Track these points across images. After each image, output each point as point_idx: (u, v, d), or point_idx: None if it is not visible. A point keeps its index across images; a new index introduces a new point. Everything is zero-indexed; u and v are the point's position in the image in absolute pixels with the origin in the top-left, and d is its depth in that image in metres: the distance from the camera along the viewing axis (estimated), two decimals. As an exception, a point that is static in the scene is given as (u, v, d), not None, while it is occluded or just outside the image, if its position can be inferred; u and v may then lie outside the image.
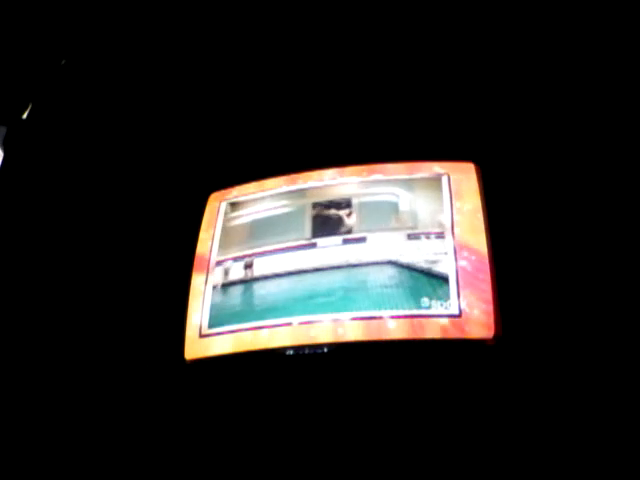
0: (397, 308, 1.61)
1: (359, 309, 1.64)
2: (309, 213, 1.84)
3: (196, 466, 1.72)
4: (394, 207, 1.77)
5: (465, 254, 1.63)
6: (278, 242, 1.82)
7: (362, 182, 1.84)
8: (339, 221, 1.78)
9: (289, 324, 1.70)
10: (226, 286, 1.83)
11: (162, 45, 2.37)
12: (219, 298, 1.83)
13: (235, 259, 1.86)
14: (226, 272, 1.85)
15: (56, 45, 2.45)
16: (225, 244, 1.90)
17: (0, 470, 1.80)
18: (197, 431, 1.76)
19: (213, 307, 1.83)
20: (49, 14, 2.39)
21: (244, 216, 1.93)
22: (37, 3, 2.37)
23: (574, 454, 1.44)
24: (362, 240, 1.74)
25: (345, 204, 1.81)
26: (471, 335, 1.54)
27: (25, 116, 2.42)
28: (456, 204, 1.70)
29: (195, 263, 1.91)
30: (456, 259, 1.63)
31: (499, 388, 1.57)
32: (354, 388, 1.67)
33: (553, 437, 1.48)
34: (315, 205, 1.84)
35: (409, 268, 1.66)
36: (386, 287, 1.65)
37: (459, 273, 1.60)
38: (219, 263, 1.87)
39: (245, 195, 1.97)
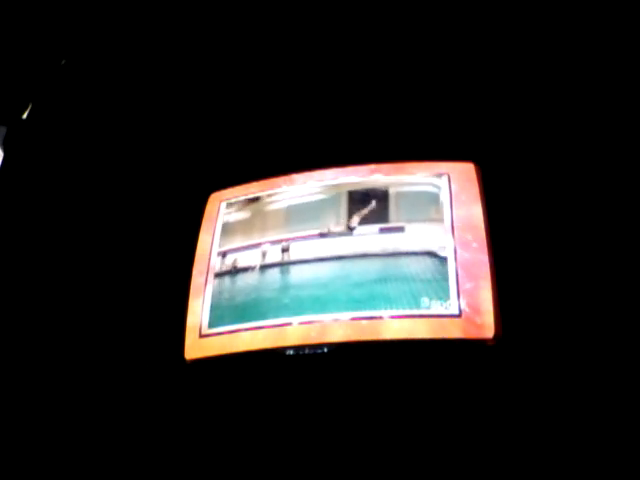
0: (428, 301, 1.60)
1: (393, 304, 1.62)
2: (345, 201, 1.83)
3: (196, 466, 1.72)
4: (434, 198, 1.74)
5: (465, 254, 1.63)
6: (314, 228, 1.81)
7: (368, 179, 1.84)
8: (375, 209, 1.77)
9: (289, 324, 1.70)
10: (255, 271, 1.83)
11: (162, 45, 2.37)
12: (228, 289, 1.84)
13: (272, 242, 1.85)
14: (264, 255, 1.84)
15: (56, 45, 2.45)
16: (262, 228, 1.89)
17: (0, 470, 1.80)
18: (197, 431, 1.76)
19: (220, 297, 1.83)
20: (49, 14, 2.39)
21: (280, 202, 1.92)
22: (37, 3, 2.37)
23: (574, 454, 1.44)
24: (400, 230, 1.73)
25: (382, 194, 1.80)
26: (471, 335, 1.54)
27: (25, 116, 2.42)
28: (456, 204, 1.70)
29: (195, 263, 1.90)
30: (456, 259, 1.62)
31: (499, 388, 1.57)
32: (354, 388, 1.67)
33: (553, 437, 1.48)
34: (351, 193, 1.83)
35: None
36: (423, 279, 1.63)
37: (459, 273, 1.60)
38: (255, 246, 1.86)
39: (245, 195, 1.97)
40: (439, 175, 1.76)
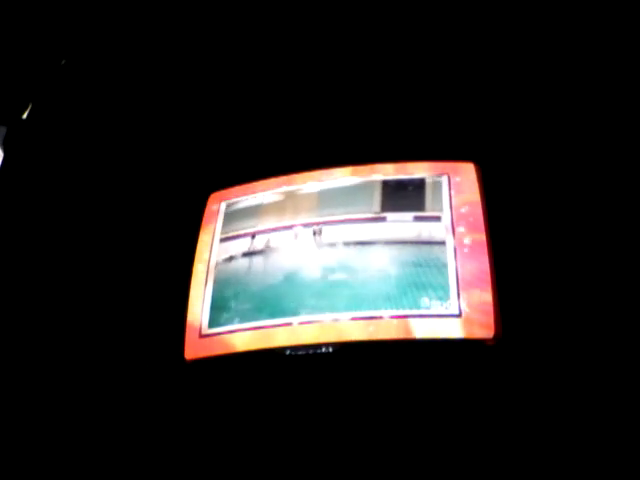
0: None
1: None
2: (379, 188, 1.81)
3: (196, 466, 1.72)
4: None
5: (465, 254, 1.63)
6: (346, 213, 1.80)
7: (363, 183, 1.84)
8: (411, 198, 1.75)
9: (289, 324, 1.70)
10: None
11: (162, 45, 2.37)
12: (229, 288, 1.83)
13: (305, 225, 1.83)
14: (296, 236, 1.83)
15: (56, 45, 2.45)
16: (294, 210, 1.87)
17: (0, 470, 1.80)
18: (197, 431, 1.76)
19: (220, 297, 1.83)
20: (49, 14, 2.39)
21: (312, 186, 1.90)
22: (37, 3, 2.37)
23: (574, 454, 1.45)
24: (436, 219, 1.71)
25: (418, 182, 1.78)
26: (471, 335, 1.54)
27: (25, 116, 2.42)
28: (456, 204, 1.70)
29: (195, 263, 1.90)
30: (456, 259, 1.63)
31: (499, 388, 1.57)
32: (354, 388, 1.67)
33: (553, 437, 1.48)
34: (385, 182, 1.81)
35: None
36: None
37: (459, 273, 1.60)
38: (288, 228, 1.84)
39: (245, 195, 1.97)
40: (439, 175, 1.76)
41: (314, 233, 1.80)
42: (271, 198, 1.92)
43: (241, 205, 1.95)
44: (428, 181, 1.77)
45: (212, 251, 1.90)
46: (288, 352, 1.71)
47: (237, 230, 1.90)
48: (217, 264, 1.88)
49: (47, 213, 2.21)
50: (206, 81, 2.29)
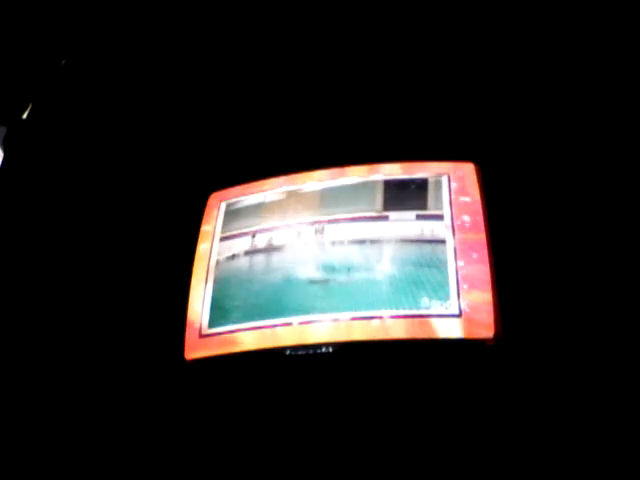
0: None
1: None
2: (380, 187, 1.81)
3: (196, 466, 1.72)
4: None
5: (465, 254, 1.63)
6: (348, 212, 1.80)
7: (365, 181, 1.83)
8: (413, 197, 1.75)
9: (289, 324, 1.70)
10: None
11: (162, 45, 2.38)
12: (229, 287, 1.83)
13: (307, 224, 1.82)
14: (297, 235, 1.82)
15: (56, 45, 2.45)
16: (295, 209, 1.87)
17: (0, 470, 1.80)
18: (197, 431, 1.76)
19: (220, 297, 1.82)
20: (49, 14, 2.39)
21: (313, 185, 1.89)
22: (37, 3, 2.38)
23: (574, 454, 1.45)
24: (439, 217, 1.70)
25: (420, 182, 1.77)
26: (471, 335, 1.54)
27: (25, 116, 2.42)
28: (456, 204, 1.70)
29: (195, 263, 1.90)
30: (456, 259, 1.63)
31: (499, 388, 1.57)
32: (354, 389, 1.67)
33: (553, 437, 1.48)
34: (387, 181, 1.81)
35: None
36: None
37: (459, 273, 1.60)
38: (289, 226, 1.84)
39: (245, 195, 1.97)
40: (439, 175, 1.76)
41: (316, 232, 1.80)
42: (272, 197, 1.93)
43: (241, 204, 1.96)
44: (430, 180, 1.77)
45: (212, 250, 1.90)
46: (288, 352, 1.71)
47: (237, 229, 1.91)
48: (217, 264, 1.88)
49: (47, 213, 2.21)
50: (206, 81, 2.29)
